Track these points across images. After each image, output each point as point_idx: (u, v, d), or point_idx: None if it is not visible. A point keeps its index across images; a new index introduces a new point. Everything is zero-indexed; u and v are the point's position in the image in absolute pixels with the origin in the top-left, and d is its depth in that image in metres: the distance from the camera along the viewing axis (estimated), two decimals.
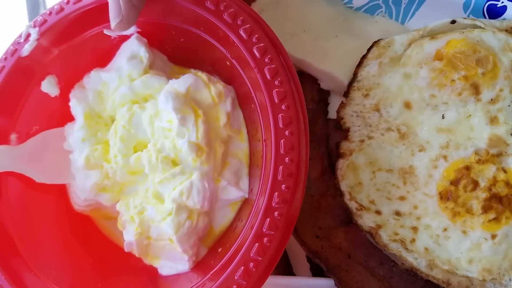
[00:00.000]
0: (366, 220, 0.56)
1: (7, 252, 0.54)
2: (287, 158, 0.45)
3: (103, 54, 0.59)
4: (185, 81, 0.53)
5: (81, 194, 0.57)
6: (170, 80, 0.54)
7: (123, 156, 0.53)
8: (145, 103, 0.55)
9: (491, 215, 0.53)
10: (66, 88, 0.60)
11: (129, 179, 0.55)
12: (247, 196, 0.53)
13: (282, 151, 0.45)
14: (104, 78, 0.57)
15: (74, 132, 0.57)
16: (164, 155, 0.52)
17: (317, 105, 0.63)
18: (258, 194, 0.47)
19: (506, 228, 0.52)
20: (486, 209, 0.53)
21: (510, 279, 0.53)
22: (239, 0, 0.50)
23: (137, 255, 0.55)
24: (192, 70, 0.58)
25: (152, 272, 0.55)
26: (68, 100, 0.59)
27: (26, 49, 0.56)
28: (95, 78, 0.58)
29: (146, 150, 0.53)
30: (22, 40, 0.57)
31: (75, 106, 0.57)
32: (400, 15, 0.62)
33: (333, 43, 0.61)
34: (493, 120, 0.55)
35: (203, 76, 0.54)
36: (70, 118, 0.60)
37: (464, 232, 0.54)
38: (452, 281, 0.53)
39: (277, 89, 0.46)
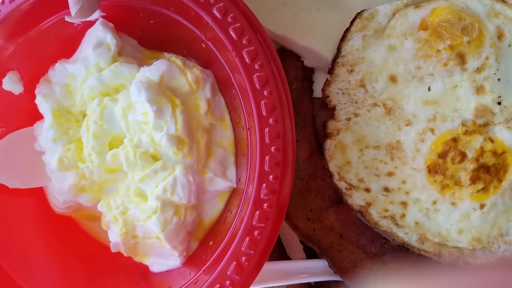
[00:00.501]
0: (356, 199, 0.56)
1: None
2: (273, 147, 0.43)
3: (68, 44, 0.55)
4: (157, 68, 0.49)
5: (59, 196, 0.54)
6: (141, 68, 0.50)
7: (98, 154, 0.50)
8: (116, 95, 0.51)
9: (479, 186, 0.53)
10: (31, 84, 0.55)
11: (107, 178, 0.52)
12: (235, 186, 0.52)
13: (267, 141, 0.43)
14: (70, 70, 0.53)
15: (44, 132, 0.53)
16: (142, 150, 0.49)
17: (302, 84, 0.60)
18: (246, 183, 0.46)
19: (494, 197, 0.53)
20: (474, 180, 0.53)
21: (499, 247, 0.54)
22: None
23: (125, 255, 0.53)
24: (166, 54, 0.54)
25: (143, 269, 0.54)
26: (34, 96, 0.55)
27: None
28: (60, 71, 0.54)
29: (122, 146, 0.50)
30: None
31: (42, 103, 0.53)
32: None
33: (315, 17, 0.58)
34: (479, 90, 0.54)
35: (178, 61, 0.50)
36: (39, 116, 0.56)
37: (453, 203, 0.54)
38: (443, 253, 0.54)
39: (257, 74, 0.44)
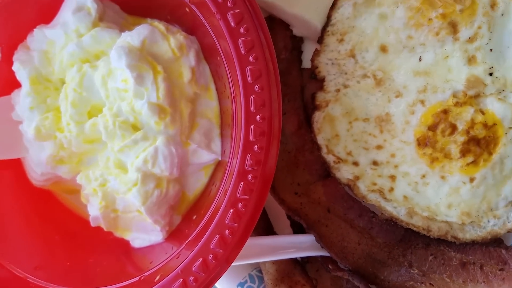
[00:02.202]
0: (344, 173, 0.57)
1: None
2: (258, 116, 0.42)
3: (47, 9, 0.54)
4: (139, 33, 0.48)
5: (37, 168, 0.54)
6: (122, 33, 0.49)
7: (76, 124, 0.50)
8: (96, 61, 0.51)
9: (469, 159, 0.53)
10: (9, 51, 0.54)
11: (86, 149, 0.52)
12: (220, 159, 0.51)
13: (252, 109, 0.42)
14: (49, 35, 0.52)
15: (21, 100, 0.53)
16: (122, 119, 0.48)
17: (290, 54, 0.60)
18: (231, 155, 0.45)
19: (484, 171, 0.53)
20: (464, 152, 0.53)
21: (488, 221, 0.55)
22: None
23: (105, 229, 0.53)
24: (149, 20, 0.53)
25: (125, 244, 0.54)
26: (11, 64, 0.54)
27: None
28: (39, 37, 0.53)
29: (102, 115, 0.49)
30: None
31: (19, 70, 0.53)
32: None
33: None
34: (471, 60, 0.54)
35: (160, 26, 0.50)
36: (17, 84, 0.55)
37: (442, 177, 0.55)
38: (432, 228, 0.55)
39: (243, 38, 0.43)
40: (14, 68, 0.53)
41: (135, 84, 0.46)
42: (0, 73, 0.55)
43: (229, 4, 0.43)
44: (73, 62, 0.51)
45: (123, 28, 0.52)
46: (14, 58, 0.53)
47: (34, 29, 0.53)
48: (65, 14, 0.51)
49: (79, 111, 0.50)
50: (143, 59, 0.47)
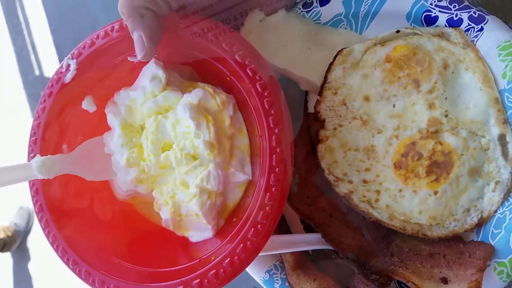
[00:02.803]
0: (342, 188, 0.68)
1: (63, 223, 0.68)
2: (278, 148, 0.55)
3: (128, 75, 0.71)
4: (196, 95, 0.65)
5: (123, 186, 0.70)
6: (184, 94, 0.66)
7: (154, 155, 0.64)
8: (166, 113, 0.64)
9: (433, 177, 0.63)
10: (100, 104, 0.72)
11: (160, 172, 0.67)
12: (251, 179, 0.63)
13: (274, 144, 0.56)
14: (132, 95, 0.69)
15: (114, 140, 0.69)
16: (186, 152, 0.64)
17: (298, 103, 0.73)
18: (259, 176, 0.57)
19: (444, 186, 0.64)
20: (428, 173, 0.63)
21: (450, 223, 0.65)
22: (234, 32, 0.62)
23: (171, 229, 0.68)
24: (200, 84, 0.69)
25: (185, 240, 0.69)
26: (101, 114, 0.71)
27: (68, 77, 0.68)
28: (124, 96, 0.70)
29: (172, 149, 0.63)
30: (63, 70, 0.69)
31: (112, 119, 0.67)
32: (358, 27, 0.72)
33: (307, 54, 0.71)
34: (431, 106, 0.66)
35: (210, 89, 0.66)
36: (105, 128, 0.72)
37: (414, 191, 0.65)
38: (407, 227, 0.65)
39: (267, 99, 0.57)
40: (108, 117, 0.69)
41: (195, 129, 0.60)
42: (94, 120, 0.71)
43: (257, 78, 0.58)
44: (150, 114, 0.64)
45: (182, 89, 0.67)
46: (106, 110, 0.70)
47: (121, 90, 0.69)
48: (143, 80, 0.67)
49: (156, 147, 0.63)
50: (200, 112, 0.61)
